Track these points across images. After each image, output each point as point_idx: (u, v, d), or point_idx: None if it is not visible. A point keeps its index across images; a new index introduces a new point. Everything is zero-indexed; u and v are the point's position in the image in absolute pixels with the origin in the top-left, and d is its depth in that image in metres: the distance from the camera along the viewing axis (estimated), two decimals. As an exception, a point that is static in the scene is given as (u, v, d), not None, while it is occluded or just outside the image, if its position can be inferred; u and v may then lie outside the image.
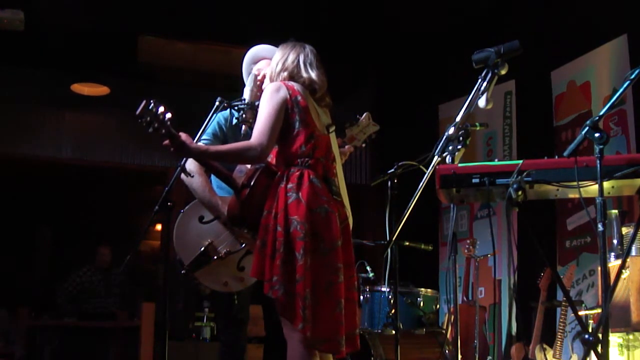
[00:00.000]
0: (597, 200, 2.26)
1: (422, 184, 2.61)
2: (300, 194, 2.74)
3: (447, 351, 4.29)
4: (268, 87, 2.89)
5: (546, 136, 5.74)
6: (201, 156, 2.91)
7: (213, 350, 5.50)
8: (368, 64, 7.01)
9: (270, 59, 3.11)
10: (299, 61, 2.95)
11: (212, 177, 3.27)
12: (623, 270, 3.55)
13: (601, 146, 2.26)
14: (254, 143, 2.75)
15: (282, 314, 2.71)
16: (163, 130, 2.69)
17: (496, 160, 2.64)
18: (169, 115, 2.70)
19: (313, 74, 2.95)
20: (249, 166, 2.95)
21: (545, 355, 4.39)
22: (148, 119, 2.66)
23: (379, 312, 4.35)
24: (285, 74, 2.94)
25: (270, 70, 3.01)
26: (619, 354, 3.68)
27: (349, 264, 2.88)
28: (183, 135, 2.75)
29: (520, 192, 2.44)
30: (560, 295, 4.77)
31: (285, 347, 2.76)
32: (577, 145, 2.29)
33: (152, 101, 2.67)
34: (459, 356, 3.35)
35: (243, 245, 3.17)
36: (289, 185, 2.77)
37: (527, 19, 5.70)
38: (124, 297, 7.06)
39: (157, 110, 2.67)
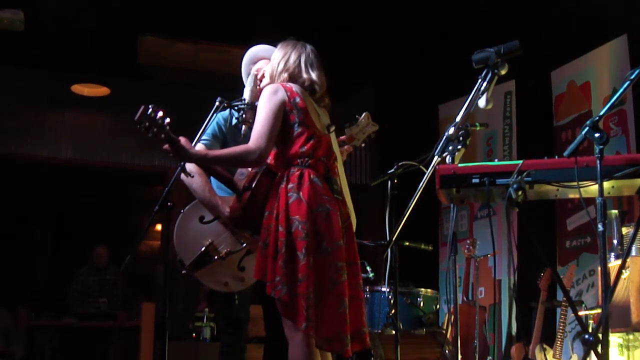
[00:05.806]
0: (597, 200, 2.26)
1: (422, 184, 2.61)
2: (301, 193, 2.74)
3: (447, 351, 4.29)
4: (265, 89, 2.88)
5: (546, 136, 5.74)
6: (200, 161, 2.94)
7: (213, 350, 5.49)
8: (368, 64, 7.00)
9: (269, 58, 3.11)
10: (300, 61, 2.95)
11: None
12: (623, 270, 3.55)
13: (601, 146, 2.26)
14: (252, 146, 2.75)
15: (284, 315, 2.70)
16: (162, 135, 2.70)
17: (496, 160, 2.64)
18: (168, 119, 2.70)
19: (313, 75, 2.94)
20: (249, 168, 2.95)
21: (545, 355, 4.39)
22: (147, 124, 2.67)
23: (379, 312, 4.35)
24: (286, 74, 2.93)
25: (271, 70, 3.01)
26: (619, 354, 3.68)
27: (353, 262, 2.87)
28: (182, 140, 2.76)
29: (520, 192, 2.43)
30: (560, 295, 4.77)
31: (285, 347, 2.75)
32: (577, 146, 2.29)
33: (150, 106, 2.67)
34: (459, 356, 3.35)
35: (244, 245, 3.17)
36: (290, 185, 2.77)
37: (527, 19, 5.70)
38: (122, 297, 7.06)
39: (156, 115, 2.68)
